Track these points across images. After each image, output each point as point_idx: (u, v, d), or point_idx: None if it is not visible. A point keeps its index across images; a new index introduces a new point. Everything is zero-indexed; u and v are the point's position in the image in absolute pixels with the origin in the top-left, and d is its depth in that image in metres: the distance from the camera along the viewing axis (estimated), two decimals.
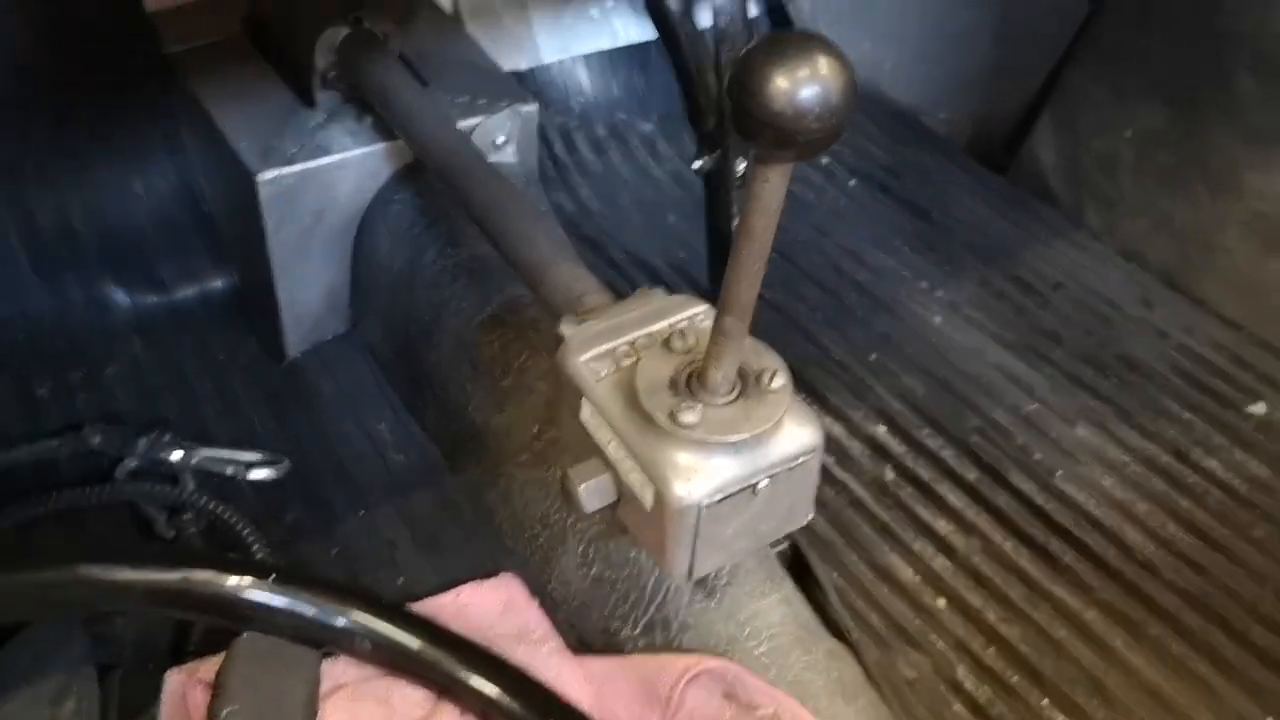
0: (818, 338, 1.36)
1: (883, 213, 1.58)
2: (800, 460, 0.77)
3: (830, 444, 1.23)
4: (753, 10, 1.76)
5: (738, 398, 0.75)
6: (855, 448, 1.23)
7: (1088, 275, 1.47)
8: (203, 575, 0.83)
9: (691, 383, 0.75)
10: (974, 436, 1.24)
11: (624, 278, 1.44)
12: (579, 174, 1.60)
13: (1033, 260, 1.49)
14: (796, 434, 0.76)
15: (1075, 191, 1.54)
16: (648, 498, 0.76)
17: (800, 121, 0.57)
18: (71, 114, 1.26)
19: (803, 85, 0.56)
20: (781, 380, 0.75)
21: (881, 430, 1.25)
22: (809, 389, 1.29)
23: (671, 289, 1.40)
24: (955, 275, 1.46)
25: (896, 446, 1.23)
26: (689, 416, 0.72)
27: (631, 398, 0.76)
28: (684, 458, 0.73)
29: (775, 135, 0.58)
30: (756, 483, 0.75)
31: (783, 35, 0.58)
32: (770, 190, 0.63)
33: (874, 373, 1.32)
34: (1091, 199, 1.52)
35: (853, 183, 1.63)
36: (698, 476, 0.73)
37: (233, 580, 0.84)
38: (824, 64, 0.57)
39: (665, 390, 0.75)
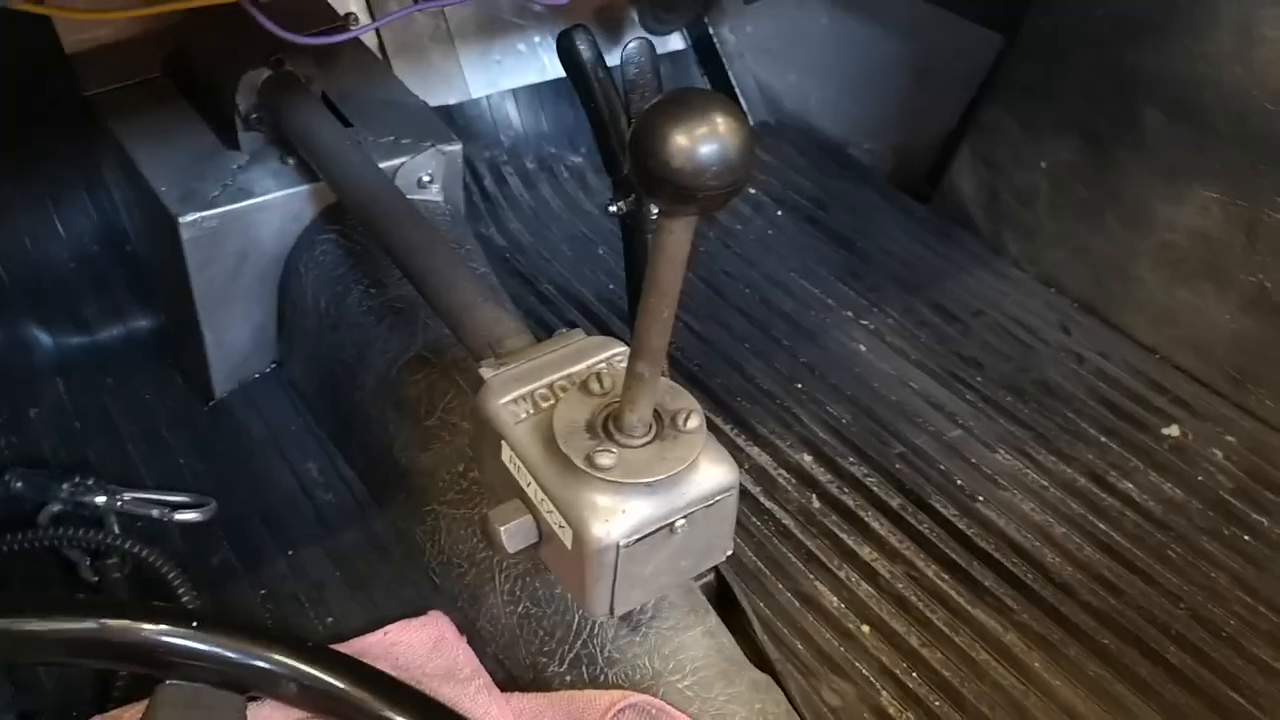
0: (745, 367, 1.38)
1: (809, 243, 1.60)
2: (717, 499, 0.78)
3: (757, 473, 1.25)
4: (678, 44, 1.80)
5: (653, 439, 0.76)
6: (782, 477, 1.25)
7: (1008, 303, 1.50)
8: (118, 624, 0.82)
9: (608, 425, 0.76)
10: (898, 463, 1.27)
11: (553, 311, 1.45)
12: (509, 207, 1.61)
13: (955, 288, 1.52)
14: (712, 473, 0.78)
15: (995, 221, 1.58)
16: (567, 539, 0.77)
17: (699, 178, 0.58)
18: None
19: (701, 143, 0.58)
20: (696, 421, 0.77)
21: (808, 459, 1.27)
22: (736, 419, 1.31)
23: (600, 322, 1.45)
24: (880, 304, 1.49)
25: (822, 475, 1.25)
26: (605, 459, 0.74)
27: (550, 440, 0.77)
28: (601, 500, 0.74)
29: (675, 192, 0.59)
30: (674, 522, 0.76)
31: (682, 93, 0.60)
32: (674, 242, 0.64)
33: (800, 401, 1.34)
34: (1011, 228, 1.56)
35: (779, 213, 1.66)
36: (615, 518, 0.74)
37: (150, 627, 0.83)
38: (722, 123, 0.58)
39: (582, 433, 0.76)
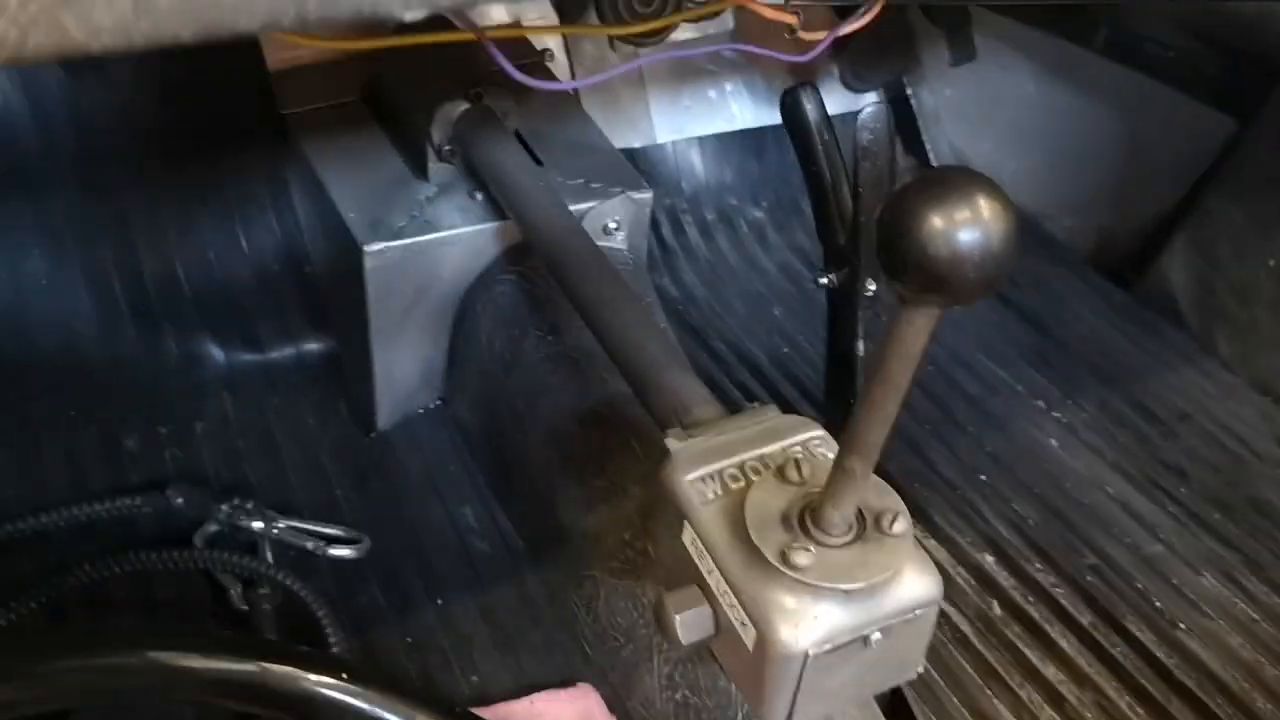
0: (925, 451, 1.30)
1: (998, 321, 1.51)
2: (917, 613, 0.71)
3: None
4: (872, 102, 1.73)
5: (854, 540, 0.69)
6: (960, 576, 1.15)
7: (1217, 408, 1.38)
8: (281, 669, 0.79)
9: (805, 519, 0.69)
10: (1089, 575, 1.16)
11: (724, 370, 1.39)
12: (685, 258, 1.56)
13: (1158, 387, 1.40)
14: (916, 584, 0.70)
15: (1207, 317, 1.46)
16: (748, 639, 0.70)
17: (956, 268, 0.52)
18: (184, 167, 1.26)
19: (961, 229, 0.51)
20: (903, 525, 0.69)
21: (989, 559, 1.17)
22: (912, 506, 1.20)
23: (771, 385, 1.38)
24: (1073, 395, 1.39)
25: (1004, 579, 1.15)
26: (801, 558, 0.67)
27: (739, 528, 0.70)
28: (792, 602, 0.68)
29: (926, 280, 0.52)
30: (869, 634, 0.69)
31: (942, 171, 0.53)
32: (913, 334, 0.58)
33: (984, 495, 1.24)
34: (1225, 326, 1.44)
35: None
36: (806, 623, 0.67)
37: (309, 678, 0.80)
38: (986, 207, 0.52)
39: (777, 525, 0.70)
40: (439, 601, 1.06)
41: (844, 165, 0.90)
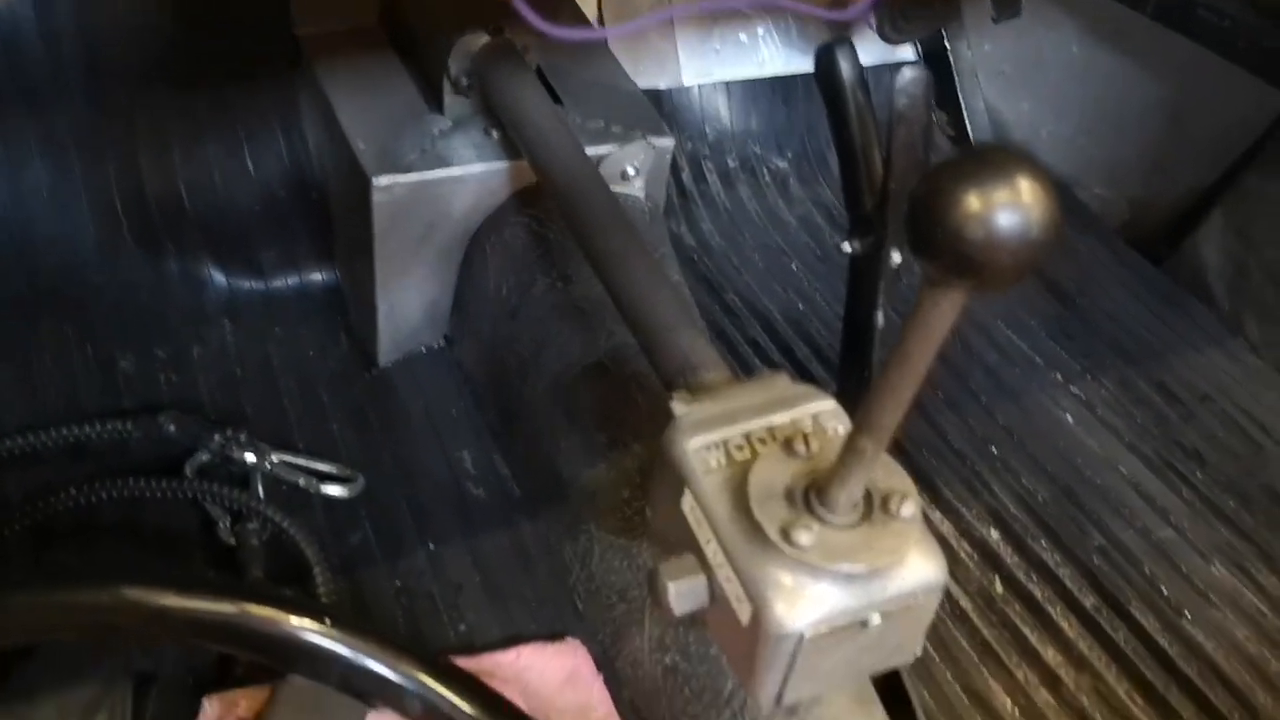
0: (936, 420, 1.27)
1: (1021, 290, 1.47)
2: (919, 597, 0.68)
3: (938, 543, 1.13)
4: (908, 54, 1.67)
5: (860, 521, 0.66)
6: (964, 550, 1.13)
7: (1240, 392, 1.34)
8: (260, 612, 0.77)
9: (810, 496, 0.67)
10: (1096, 557, 1.13)
11: (736, 325, 1.36)
12: (704, 206, 1.52)
13: (1181, 366, 1.37)
14: (920, 568, 0.67)
15: (1238, 298, 1.42)
16: (743, 614, 0.67)
17: (990, 252, 0.48)
18: (192, 86, 1.22)
19: (998, 211, 0.47)
20: (911, 509, 0.66)
21: (995, 535, 1.15)
22: (919, 475, 1.20)
23: (784, 343, 1.35)
24: (1093, 371, 1.35)
25: (1009, 556, 1.13)
26: (804, 536, 0.64)
27: (741, 500, 0.68)
28: (790, 580, 0.65)
29: (958, 263, 0.49)
30: (868, 617, 0.67)
31: (982, 148, 0.50)
32: (938, 316, 0.54)
33: (994, 468, 1.22)
34: (1255, 309, 1.40)
35: None
36: (803, 603, 0.65)
37: (289, 621, 0.78)
38: (1027, 189, 0.48)
39: (780, 500, 0.67)
40: (431, 546, 1.04)
41: (876, 129, 0.86)
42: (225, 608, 0.76)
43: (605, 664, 0.93)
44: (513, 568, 1.03)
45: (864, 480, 0.66)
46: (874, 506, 0.67)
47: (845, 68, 0.84)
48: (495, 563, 1.03)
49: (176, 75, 1.22)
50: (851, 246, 0.88)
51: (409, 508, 1.07)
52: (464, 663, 0.93)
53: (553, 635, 0.97)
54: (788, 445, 0.70)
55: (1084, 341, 1.40)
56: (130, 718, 0.85)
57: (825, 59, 0.85)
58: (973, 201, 0.48)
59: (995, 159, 0.49)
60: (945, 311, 0.55)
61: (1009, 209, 0.48)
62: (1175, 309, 1.45)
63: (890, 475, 0.69)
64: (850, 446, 0.63)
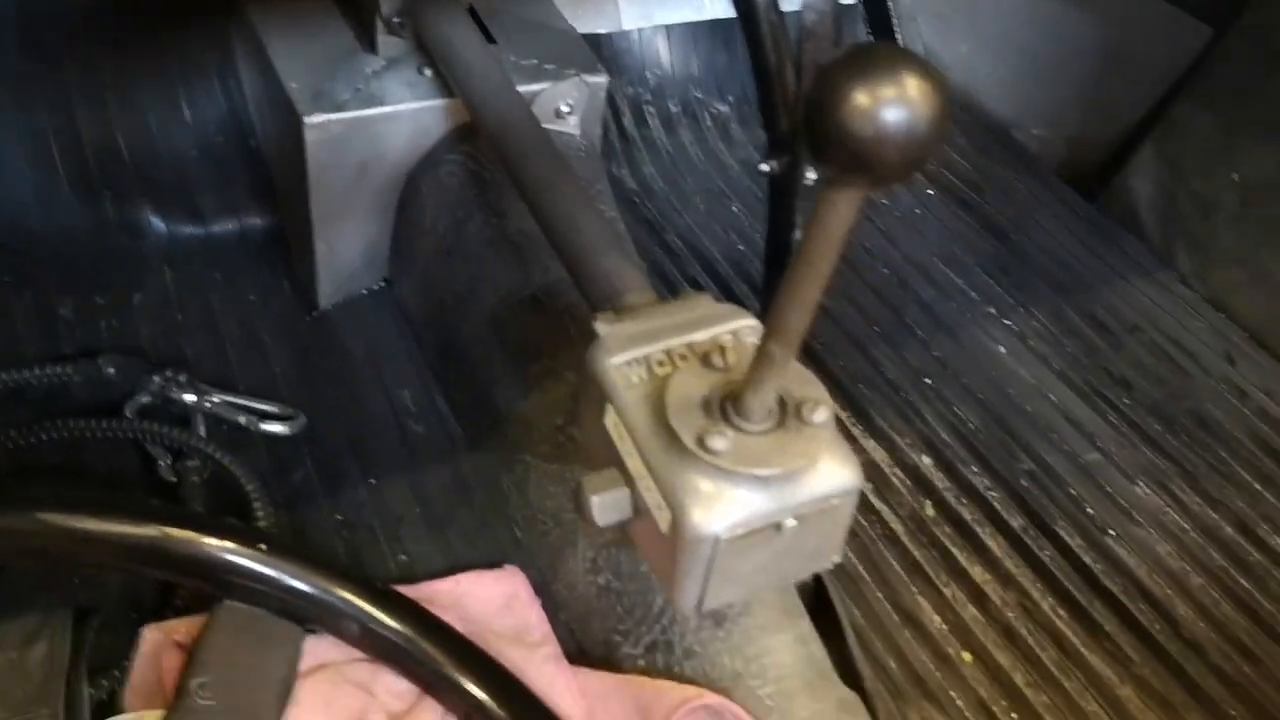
0: (871, 353, 1.29)
1: (958, 228, 1.49)
2: (834, 502, 0.70)
3: (870, 470, 1.16)
4: None
5: (774, 428, 0.68)
6: (896, 476, 1.16)
7: (1168, 321, 1.38)
8: (181, 535, 0.79)
9: (726, 406, 0.69)
10: (1024, 480, 1.17)
11: (677, 265, 1.38)
12: (645, 150, 1.53)
13: (1111, 297, 1.40)
14: (833, 473, 0.70)
15: (1168, 230, 1.45)
16: (663, 521, 0.70)
17: (879, 147, 0.50)
18: (127, 32, 1.22)
19: (886, 107, 0.49)
20: (824, 415, 0.68)
21: (927, 461, 1.18)
22: (855, 407, 1.23)
23: (724, 283, 1.37)
24: (1027, 304, 1.38)
25: (940, 481, 1.16)
26: (718, 442, 0.66)
27: (659, 413, 0.70)
28: (707, 486, 0.67)
29: (848, 159, 0.51)
30: (783, 521, 0.69)
31: (871, 47, 0.51)
32: (836, 217, 0.56)
33: (926, 398, 1.24)
34: (1185, 240, 1.43)
35: (931, 192, 1.55)
36: (719, 507, 0.67)
37: (214, 543, 0.79)
38: (913, 85, 0.49)
39: (697, 410, 0.69)
40: (372, 481, 1.05)
41: (790, 49, 0.87)
42: (149, 531, 0.77)
43: (543, 588, 0.95)
44: (453, 500, 1.04)
45: (776, 387, 0.68)
46: (788, 414, 0.69)
47: None
48: (435, 495, 1.04)
49: (110, 23, 1.22)
50: (769, 166, 0.90)
51: (350, 445, 1.08)
52: (404, 591, 0.94)
53: (492, 563, 0.99)
54: (706, 359, 0.72)
55: (1018, 276, 1.42)
56: (70, 648, 0.86)
57: None
58: (860, 99, 0.49)
59: (882, 57, 0.51)
60: (843, 212, 0.56)
61: (895, 104, 0.49)
62: (1108, 242, 1.48)
63: (804, 384, 0.71)
64: (761, 352, 0.65)
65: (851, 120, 0.49)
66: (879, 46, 0.52)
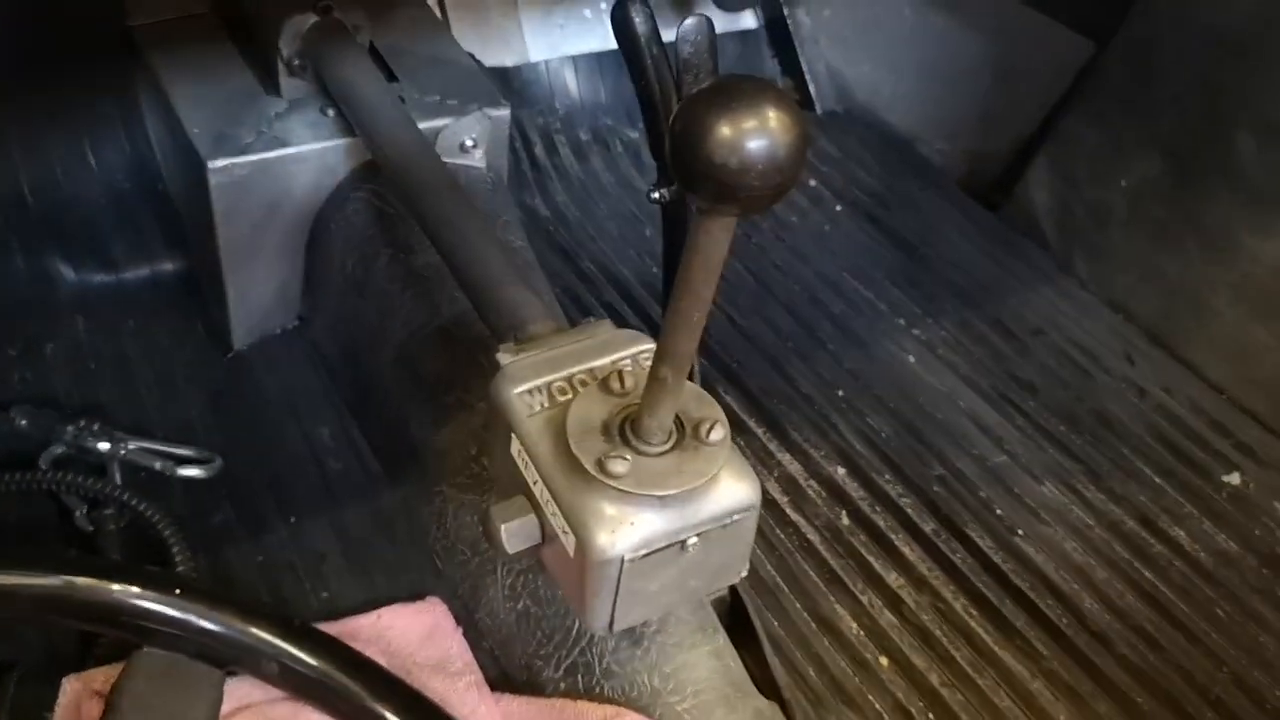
0: (785, 368, 1.32)
1: (866, 243, 1.53)
2: (735, 518, 0.72)
3: (786, 483, 1.19)
4: (749, 22, 1.72)
5: (672, 448, 0.70)
6: (811, 488, 1.18)
7: (1070, 324, 1.42)
8: (87, 583, 0.78)
9: (625, 429, 0.71)
10: (935, 485, 1.20)
11: (592, 291, 1.40)
12: (557, 178, 1.55)
13: (1015, 304, 1.44)
14: (733, 490, 0.72)
15: (1066, 237, 1.50)
16: (569, 546, 0.71)
17: (742, 176, 0.52)
18: (28, 80, 1.21)
19: (748, 138, 0.52)
20: (720, 434, 0.71)
21: (841, 472, 1.20)
22: (769, 422, 1.25)
23: (640, 307, 1.39)
24: (934, 314, 1.42)
25: (855, 490, 1.19)
26: (617, 466, 0.68)
27: (561, 439, 0.71)
28: (609, 509, 0.69)
29: (715, 189, 0.53)
30: (685, 539, 0.71)
31: (733, 80, 0.53)
32: (711, 243, 0.58)
33: (839, 410, 1.27)
34: (1082, 247, 1.48)
35: (839, 208, 1.59)
36: (622, 529, 0.69)
37: (122, 589, 0.79)
38: (773, 116, 0.52)
39: (596, 435, 0.71)
40: (292, 520, 1.05)
41: (674, 80, 0.90)
42: (55, 581, 0.77)
43: (465, 618, 0.96)
44: (374, 535, 1.05)
45: (672, 408, 0.70)
46: (686, 434, 0.71)
47: (639, 22, 0.88)
48: (356, 531, 1.05)
49: (10, 72, 1.21)
50: (660, 195, 0.92)
51: (269, 484, 1.09)
52: (326, 628, 0.95)
53: (414, 595, 1.00)
54: (605, 385, 0.74)
55: (926, 288, 1.46)
56: None
57: (620, 16, 0.89)
58: (723, 131, 0.52)
59: (742, 90, 0.53)
60: (717, 237, 0.59)
61: (756, 135, 0.52)
62: (1012, 252, 1.53)
63: (701, 405, 0.73)
64: (653, 376, 0.67)
65: (715, 153, 0.52)
66: (740, 79, 0.54)
